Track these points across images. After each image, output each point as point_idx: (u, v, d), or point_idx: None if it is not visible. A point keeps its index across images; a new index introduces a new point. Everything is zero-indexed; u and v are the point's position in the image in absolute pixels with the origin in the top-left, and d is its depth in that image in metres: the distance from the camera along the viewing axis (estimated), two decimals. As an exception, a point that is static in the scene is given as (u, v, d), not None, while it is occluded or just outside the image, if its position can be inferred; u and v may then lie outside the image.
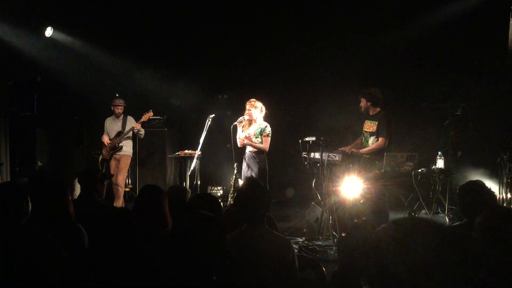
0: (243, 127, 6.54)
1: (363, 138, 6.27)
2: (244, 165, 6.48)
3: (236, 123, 6.52)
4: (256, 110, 6.43)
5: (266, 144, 6.36)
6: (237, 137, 6.57)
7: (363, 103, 6.21)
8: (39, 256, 2.61)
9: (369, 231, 2.32)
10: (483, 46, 7.85)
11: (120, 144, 7.77)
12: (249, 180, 3.17)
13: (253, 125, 6.49)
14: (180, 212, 3.12)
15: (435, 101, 8.00)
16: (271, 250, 2.75)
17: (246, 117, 6.47)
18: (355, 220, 2.36)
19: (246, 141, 6.39)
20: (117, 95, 8.16)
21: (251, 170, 6.37)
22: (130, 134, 7.83)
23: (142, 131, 7.94)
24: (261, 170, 6.31)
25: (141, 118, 7.81)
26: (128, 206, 7.50)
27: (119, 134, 7.80)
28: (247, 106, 6.47)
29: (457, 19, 7.84)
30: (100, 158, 7.93)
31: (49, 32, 7.98)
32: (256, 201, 2.82)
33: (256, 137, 6.40)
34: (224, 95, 9.46)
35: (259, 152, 6.38)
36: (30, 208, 2.96)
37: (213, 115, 7.26)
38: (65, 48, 8.36)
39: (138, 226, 2.52)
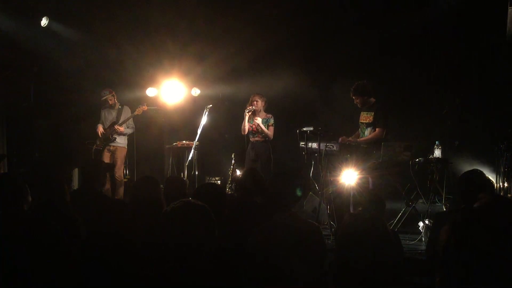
0: (248, 117, 7.15)
1: (360, 129, 6.27)
2: (252, 153, 7.16)
3: (246, 111, 7.10)
4: (262, 102, 7.16)
5: (271, 133, 7.15)
6: (243, 124, 7.16)
7: (359, 99, 6.15)
8: (44, 244, 2.61)
9: (367, 221, 2.31)
10: (481, 34, 7.81)
11: (114, 136, 7.68)
12: (276, 172, 3.41)
13: (258, 116, 7.13)
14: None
15: (433, 90, 7.97)
16: (296, 235, 2.80)
17: (254, 107, 7.11)
18: (351, 211, 2.38)
19: (258, 124, 7.04)
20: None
21: (260, 157, 7.11)
22: (126, 124, 7.74)
23: (128, 131, 7.82)
24: (268, 158, 7.12)
25: (135, 111, 7.73)
26: (125, 197, 7.50)
27: (113, 124, 7.72)
28: (255, 98, 7.15)
29: (456, 8, 7.80)
30: (94, 148, 7.83)
31: (45, 21, 7.91)
32: (282, 191, 3.09)
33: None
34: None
35: (265, 141, 7.17)
36: (30, 198, 2.95)
37: (211, 105, 7.29)
38: (61, 38, 8.30)
39: (133, 217, 2.53)
